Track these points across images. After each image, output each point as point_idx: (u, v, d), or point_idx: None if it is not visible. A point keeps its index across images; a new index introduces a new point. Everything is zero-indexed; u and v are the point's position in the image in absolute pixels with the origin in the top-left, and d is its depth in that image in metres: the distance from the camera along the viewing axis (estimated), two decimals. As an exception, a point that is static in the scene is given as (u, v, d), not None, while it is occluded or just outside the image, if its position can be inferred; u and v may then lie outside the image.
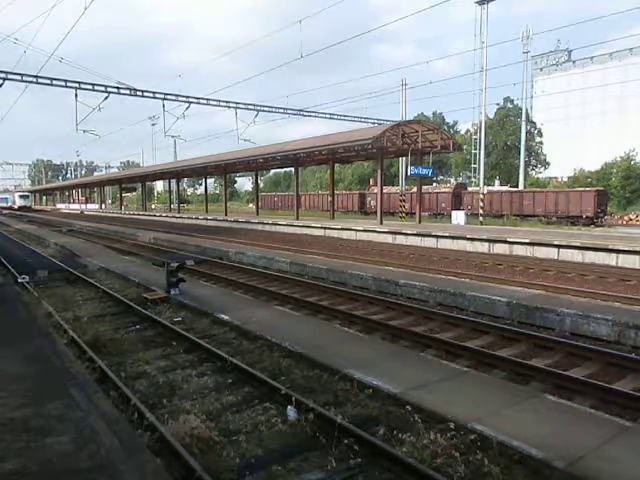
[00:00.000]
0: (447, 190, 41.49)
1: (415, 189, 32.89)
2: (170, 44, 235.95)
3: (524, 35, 40.19)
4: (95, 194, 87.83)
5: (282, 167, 48.93)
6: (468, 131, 58.47)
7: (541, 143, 60.21)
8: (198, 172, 48.80)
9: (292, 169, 38.56)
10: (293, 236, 26.57)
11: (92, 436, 3.69)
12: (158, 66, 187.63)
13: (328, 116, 32.63)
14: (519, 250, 18.15)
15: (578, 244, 16.60)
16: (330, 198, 35.22)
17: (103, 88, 23.54)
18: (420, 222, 28.66)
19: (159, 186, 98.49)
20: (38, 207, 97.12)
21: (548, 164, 60.22)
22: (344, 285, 12.62)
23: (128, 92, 24.38)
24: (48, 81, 22.29)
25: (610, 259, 15.62)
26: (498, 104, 58.93)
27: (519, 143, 47.41)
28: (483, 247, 19.36)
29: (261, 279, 13.92)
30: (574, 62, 64.39)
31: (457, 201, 38.92)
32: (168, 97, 25.75)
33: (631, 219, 35.87)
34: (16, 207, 79.72)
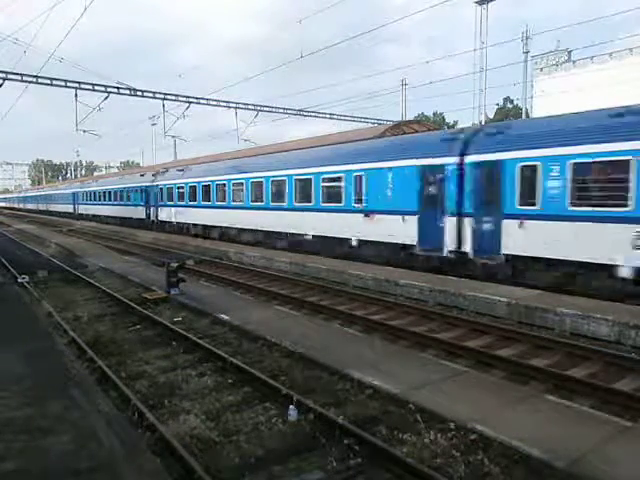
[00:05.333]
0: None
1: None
2: (176, 44, 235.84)
3: (524, 35, 40.15)
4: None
5: (282, 167, 48.79)
6: (468, 131, 58.39)
7: (541, 143, 60.16)
8: (198, 172, 48.68)
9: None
10: (293, 236, 26.50)
11: (92, 436, 3.69)
12: (163, 65, 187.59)
13: (328, 116, 32.58)
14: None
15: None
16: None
17: (103, 88, 23.52)
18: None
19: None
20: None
21: (548, 164, 60.17)
22: (344, 285, 12.61)
23: (128, 92, 24.36)
24: (48, 81, 22.27)
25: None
26: (498, 104, 58.96)
27: (519, 143, 47.28)
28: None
29: (261, 279, 13.91)
30: (574, 62, 64.24)
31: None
32: (168, 97, 25.72)
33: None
34: None
